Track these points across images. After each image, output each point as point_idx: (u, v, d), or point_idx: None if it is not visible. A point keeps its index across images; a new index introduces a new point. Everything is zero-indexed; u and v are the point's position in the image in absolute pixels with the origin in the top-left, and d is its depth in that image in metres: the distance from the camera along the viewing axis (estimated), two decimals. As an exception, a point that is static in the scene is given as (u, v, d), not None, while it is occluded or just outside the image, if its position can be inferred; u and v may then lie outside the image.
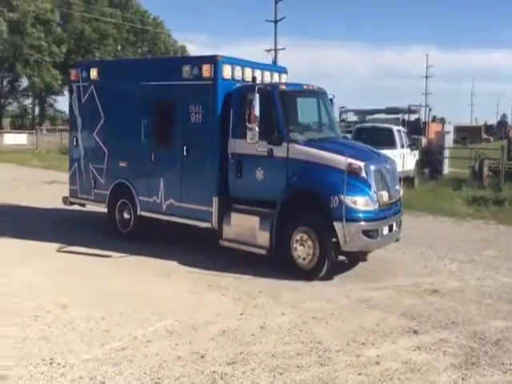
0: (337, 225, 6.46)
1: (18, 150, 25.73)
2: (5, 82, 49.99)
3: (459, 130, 43.50)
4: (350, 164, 6.56)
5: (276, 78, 8.69)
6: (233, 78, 7.66)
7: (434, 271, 7.37)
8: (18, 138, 28.70)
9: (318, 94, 8.16)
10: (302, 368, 4.33)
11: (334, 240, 6.60)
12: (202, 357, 4.49)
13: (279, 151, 7.01)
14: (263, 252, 7.02)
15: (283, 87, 7.59)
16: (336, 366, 4.39)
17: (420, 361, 4.51)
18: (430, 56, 65.07)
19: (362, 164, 6.71)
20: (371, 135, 15.56)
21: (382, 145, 14.36)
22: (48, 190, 13.27)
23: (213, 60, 7.51)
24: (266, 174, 7.14)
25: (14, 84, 50.26)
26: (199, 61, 7.89)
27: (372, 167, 6.81)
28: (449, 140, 21.06)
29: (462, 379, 4.23)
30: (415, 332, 5.15)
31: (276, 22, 34.22)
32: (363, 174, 6.68)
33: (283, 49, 35.03)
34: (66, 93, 39.01)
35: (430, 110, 25.14)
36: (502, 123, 69.49)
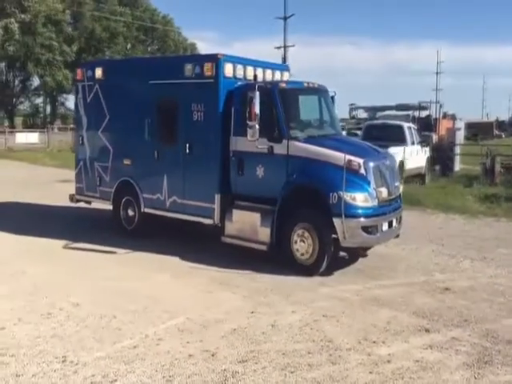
0: (336, 221, 6.55)
1: (30, 149, 25.97)
2: (16, 82, 50.48)
3: (470, 126, 43.10)
4: (349, 161, 6.63)
5: (278, 75, 8.74)
6: (234, 77, 7.73)
7: (446, 269, 7.32)
8: (30, 137, 28.91)
9: (319, 92, 8.23)
10: (313, 366, 4.33)
11: (333, 236, 6.69)
12: (213, 355, 4.51)
13: (279, 148, 7.09)
14: (264, 248, 7.11)
15: (283, 85, 7.66)
16: (347, 364, 4.38)
17: (432, 359, 4.49)
18: (441, 52, 64.40)
19: (361, 161, 6.78)
20: (381, 132, 15.50)
21: (393, 142, 14.33)
22: (60, 188, 13.36)
23: (214, 58, 7.60)
24: (267, 171, 7.23)
25: (26, 83, 50.74)
26: (201, 59, 8.03)
27: (371, 164, 6.88)
28: (460, 136, 20.88)
29: (475, 378, 4.20)
30: (427, 330, 5.12)
31: (285, 18, 34.13)
32: (362, 171, 6.76)
33: (292, 46, 34.98)
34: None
35: (440, 106, 24.97)
36: (515, 119, 68.70)
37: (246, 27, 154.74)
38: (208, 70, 7.59)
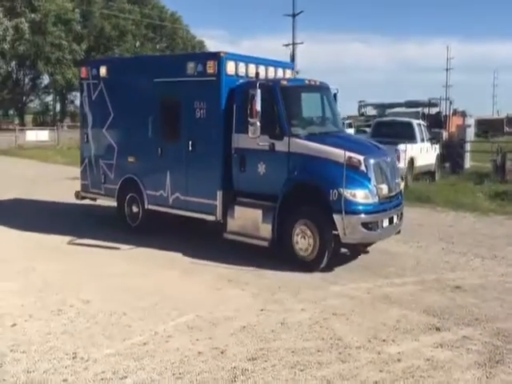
0: (336, 217, 6.59)
1: (40, 147, 26.11)
2: (26, 80, 50.90)
3: (480, 122, 42.66)
4: (349, 158, 6.68)
5: (280, 73, 8.77)
6: (236, 74, 7.80)
7: (456, 267, 7.27)
8: (40, 135, 29.05)
9: (321, 89, 8.29)
10: (323, 364, 4.31)
11: (334, 232, 6.72)
12: (223, 352, 4.51)
13: (281, 145, 7.14)
14: (265, 244, 7.18)
15: (285, 82, 7.71)
16: (357, 362, 4.36)
17: (443, 358, 4.46)
18: (451, 48, 63.71)
19: (361, 158, 6.82)
20: (391, 129, 15.41)
21: (402, 139, 14.24)
22: (69, 186, 13.40)
23: (216, 56, 7.67)
24: (268, 168, 7.29)
25: (36, 81, 51.15)
26: (203, 57, 8.14)
27: (371, 161, 6.92)
28: (470, 133, 20.66)
29: (487, 377, 4.17)
30: (437, 329, 5.08)
31: (294, 15, 34.06)
32: (363, 168, 6.81)
33: (301, 43, 34.95)
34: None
35: (450, 102, 24.62)
36: (526, 115, 67.88)
37: (254, 25, 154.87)
38: (210, 67, 7.66)
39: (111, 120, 9.22)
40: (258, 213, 7.25)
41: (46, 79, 50.17)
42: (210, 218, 7.83)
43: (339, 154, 6.67)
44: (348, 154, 6.65)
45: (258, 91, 6.93)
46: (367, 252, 7.51)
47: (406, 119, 16.60)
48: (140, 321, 5.18)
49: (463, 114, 29.32)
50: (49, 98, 53.32)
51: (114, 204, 9.33)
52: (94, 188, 9.60)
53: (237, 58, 7.88)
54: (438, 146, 16.51)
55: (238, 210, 7.50)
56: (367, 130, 27.36)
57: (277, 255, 7.23)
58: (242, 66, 7.87)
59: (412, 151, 14.26)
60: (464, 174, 16.58)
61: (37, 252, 7.66)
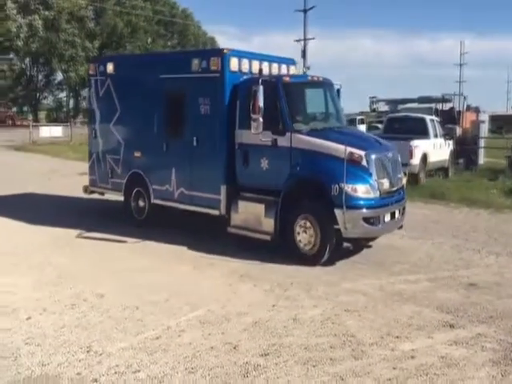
0: (337, 212, 6.64)
1: (53, 143, 26.33)
2: (40, 76, 51.28)
3: (494, 118, 42.08)
4: (350, 153, 6.75)
5: (284, 69, 8.81)
6: (240, 71, 7.87)
7: (470, 264, 7.19)
8: (54, 131, 29.31)
9: (324, 85, 8.36)
10: (336, 361, 4.30)
11: (335, 227, 6.77)
12: (235, 347, 4.52)
13: (283, 141, 7.21)
14: (268, 238, 7.27)
15: (287, 79, 7.78)
16: (370, 359, 4.34)
17: (457, 356, 4.41)
18: (465, 43, 62.87)
19: (362, 153, 6.88)
20: (403, 125, 15.30)
21: (415, 135, 14.13)
22: (80, 180, 13.49)
23: (220, 53, 7.79)
24: (271, 164, 7.35)
25: (50, 78, 51.52)
26: (207, 54, 8.26)
27: (373, 156, 6.97)
28: (484, 129, 20.41)
29: (502, 375, 4.12)
30: (451, 326, 5.04)
31: (305, 11, 33.79)
32: (364, 163, 6.87)
33: (313, 38, 34.62)
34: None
35: (464, 98, 24.36)
36: (541, 111, 66.88)
37: (265, 21, 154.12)
38: (214, 64, 7.76)
39: (118, 116, 9.34)
40: (261, 207, 7.34)
41: (59, 76, 50.62)
42: (214, 212, 7.92)
43: (340, 149, 6.75)
44: (349, 149, 6.72)
45: (261, 87, 7.02)
46: (370, 246, 7.60)
47: (419, 115, 16.43)
48: (152, 315, 5.20)
49: (477, 110, 29.03)
50: (62, 95, 53.76)
51: (122, 198, 9.44)
52: (102, 183, 9.75)
53: (240, 55, 7.96)
54: (451, 142, 16.34)
55: (242, 205, 7.60)
56: (379, 125, 27.19)
57: (283, 250, 7.23)
58: (245, 63, 7.95)
59: (425, 147, 14.13)
60: (478, 171, 16.41)
61: (50, 246, 7.74)
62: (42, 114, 51.96)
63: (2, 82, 48.00)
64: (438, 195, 12.17)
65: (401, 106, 28.54)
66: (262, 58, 8.33)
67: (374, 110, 38.28)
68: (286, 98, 7.31)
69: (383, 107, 36.42)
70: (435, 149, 14.80)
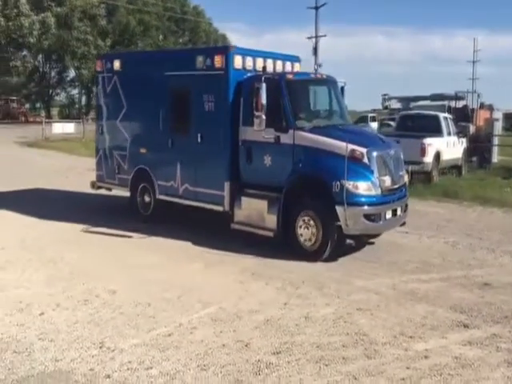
0: (339, 209, 6.69)
1: (66, 139, 26.52)
2: (53, 73, 51.67)
3: (508, 116, 41.53)
4: (352, 150, 6.77)
5: (288, 66, 8.82)
6: (244, 68, 7.92)
7: (484, 263, 7.11)
8: (66, 127, 29.56)
9: (327, 82, 8.43)
10: (348, 360, 4.27)
11: (336, 223, 6.79)
12: (247, 345, 4.51)
13: (286, 138, 7.25)
14: (271, 234, 7.32)
15: (290, 76, 7.85)
16: (383, 359, 4.30)
17: (471, 356, 4.36)
18: (478, 40, 62.10)
19: (364, 150, 6.89)
20: (416, 122, 15.15)
21: (428, 132, 13.99)
22: (90, 176, 13.59)
23: (224, 51, 7.91)
24: (274, 161, 7.40)
25: (62, 75, 51.87)
26: (212, 52, 8.35)
27: (374, 153, 6.99)
28: (498, 127, 20.14)
29: (517, 377, 4.06)
30: (465, 326, 4.98)
31: (317, 8, 33.66)
32: (365, 160, 6.88)
33: (324, 36, 34.47)
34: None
35: (478, 96, 24.04)
36: (556, 109, 65.86)
37: (277, 18, 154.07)
38: (218, 62, 7.82)
39: (124, 112, 9.43)
40: (264, 204, 7.40)
41: (71, 73, 50.93)
42: (218, 208, 7.97)
43: (342, 146, 6.79)
44: (351, 146, 6.75)
45: (264, 85, 7.05)
46: (372, 243, 7.62)
47: (432, 112, 16.26)
48: (164, 312, 5.21)
49: (490, 108, 28.61)
50: (74, 92, 54.14)
51: (128, 194, 9.53)
52: (109, 178, 9.85)
53: (244, 52, 8.02)
54: (464, 140, 16.16)
55: (245, 201, 7.65)
56: (391, 123, 26.95)
57: (290, 247, 7.24)
58: (249, 60, 7.99)
59: (438, 145, 13.99)
60: (491, 169, 16.23)
61: (61, 241, 7.79)
62: (54, 111, 52.38)
63: (15, 78, 48.46)
64: (451, 193, 12.04)
65: (413, 104, 28.24)
66: (266, 55, 8.37)
67: (386, 108, 37.94)
68: (288, 95, 7.34)
69: (395, 104, 36.08)
70: (448, 147, 14.64)
